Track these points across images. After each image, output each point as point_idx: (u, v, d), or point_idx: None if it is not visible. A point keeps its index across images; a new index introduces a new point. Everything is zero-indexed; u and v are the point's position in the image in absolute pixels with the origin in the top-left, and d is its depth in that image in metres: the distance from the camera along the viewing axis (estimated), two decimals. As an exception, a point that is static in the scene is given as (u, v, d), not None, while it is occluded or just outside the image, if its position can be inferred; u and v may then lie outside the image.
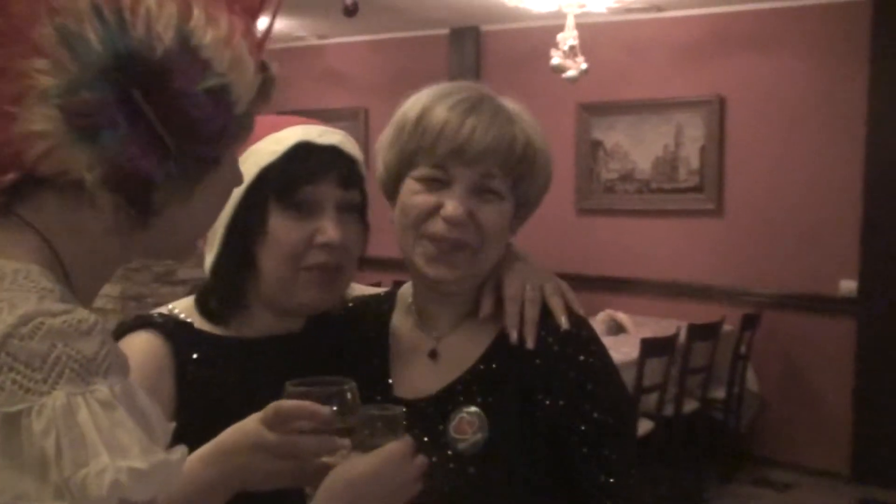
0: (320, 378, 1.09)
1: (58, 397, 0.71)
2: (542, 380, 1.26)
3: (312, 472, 1.07)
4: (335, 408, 1.05)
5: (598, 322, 5.54)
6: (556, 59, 5.22)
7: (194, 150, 0.84)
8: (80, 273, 0.84)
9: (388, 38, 7.58)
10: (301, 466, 1.07)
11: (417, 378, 1.30)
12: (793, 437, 5.84)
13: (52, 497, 0.70)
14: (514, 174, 1.27)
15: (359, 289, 1.50)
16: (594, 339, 1.31)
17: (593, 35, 5.76)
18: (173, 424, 0.81)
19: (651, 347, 4.60)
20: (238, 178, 0.97)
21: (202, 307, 1.37)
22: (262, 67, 0.89)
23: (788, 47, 5.84)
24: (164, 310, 1.38)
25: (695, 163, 6.17)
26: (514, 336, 1.27)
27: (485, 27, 7.09)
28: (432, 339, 1.33)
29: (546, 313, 1.29)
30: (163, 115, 0.80)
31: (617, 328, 5.48)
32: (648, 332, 5.00)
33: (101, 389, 0.73)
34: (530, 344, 1.26)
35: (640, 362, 4.55)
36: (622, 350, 4.96)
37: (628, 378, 4.62)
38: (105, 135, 0.79)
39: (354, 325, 1.40)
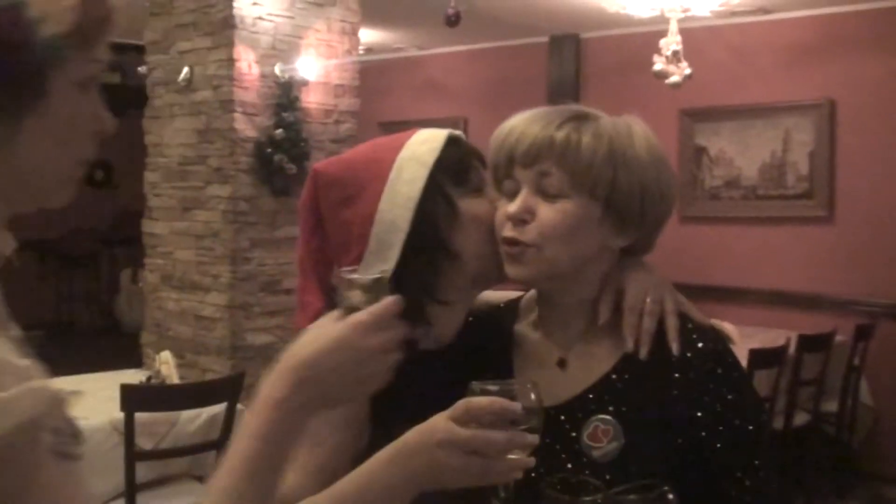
0: (497, 381, 1.12)
1: None
2: (681, 392, 1.27)
3: (499, 470, 1.06)
4: (521, 406, 1.08)
5: (702, 332, 5.40)
6: (658, 64, 5.14)
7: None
8: None
9: (487, 47, 7.59)
10: (488, 464, 1.06)
11: (545, 386, 1.25)
12: (910, 453, 5.61)
13: None
14: (573, 172, 1.25)
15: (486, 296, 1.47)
16: (728, 350, 1.32)
17: (697, 39, 5.66)
18: (28, 363, 0.80)
19: (760, 359, 4.48)
20: (99, 119, 0.93)
21: None
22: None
23: (902, 48, 5.64)
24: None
25: (804, 168, 6.00)
26: (630, 345, 1.28)
27: (585, 34, 7.03)
28: (560, 348, 1.34)
29: (682, 326, 1.30)
30: None
31: (723, 339, 5.35)
32: (755, 343, 4.86)
33: None
34: (643, 354, 1.28)
35: (749, 374, 4.43)
36: (729, 361, 4.84)
37: (736, 390, 4.51)
38: None
39: (477, 337, 1.39)
